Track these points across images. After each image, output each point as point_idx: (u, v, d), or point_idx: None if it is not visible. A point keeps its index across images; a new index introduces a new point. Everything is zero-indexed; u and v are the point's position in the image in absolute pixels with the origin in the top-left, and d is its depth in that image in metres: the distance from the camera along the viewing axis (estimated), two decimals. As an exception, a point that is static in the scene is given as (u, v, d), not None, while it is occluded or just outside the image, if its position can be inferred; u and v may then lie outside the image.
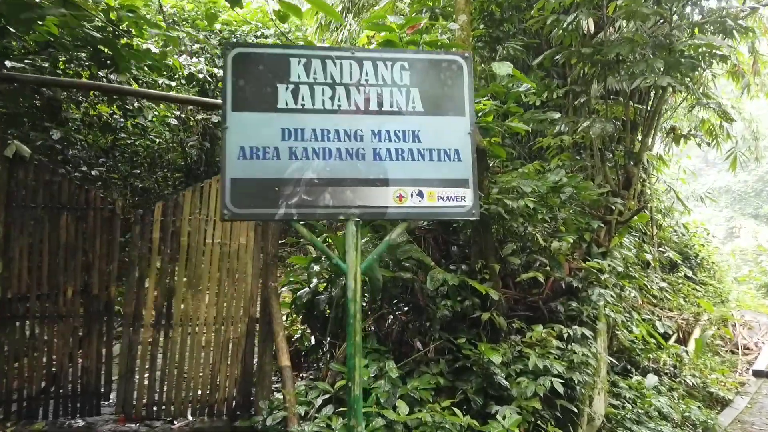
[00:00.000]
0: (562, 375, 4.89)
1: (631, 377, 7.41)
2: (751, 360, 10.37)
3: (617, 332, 7.73)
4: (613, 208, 7.04)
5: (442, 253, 6.57)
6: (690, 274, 12.74)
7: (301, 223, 3.03)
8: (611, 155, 7.87)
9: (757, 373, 9.59)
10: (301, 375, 5.83)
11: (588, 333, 5.60)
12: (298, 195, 2.84)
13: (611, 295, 6.19)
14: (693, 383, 8.05)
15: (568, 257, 6.58)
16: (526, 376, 4.80)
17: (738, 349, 10.85)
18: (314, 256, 5.44)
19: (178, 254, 5.09)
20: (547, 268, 6.06)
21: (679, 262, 12.58)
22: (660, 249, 12.09)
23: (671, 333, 9.45)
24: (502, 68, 4.83)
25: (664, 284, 10.98)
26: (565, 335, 5.48)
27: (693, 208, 15.03)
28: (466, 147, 3.06)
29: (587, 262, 6.31)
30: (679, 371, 8.18)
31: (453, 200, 2.97)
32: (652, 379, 7.25)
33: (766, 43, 11.76)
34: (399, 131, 3.01)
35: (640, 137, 8.07)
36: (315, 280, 5.29)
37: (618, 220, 7.19)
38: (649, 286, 10.23)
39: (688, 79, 7.43)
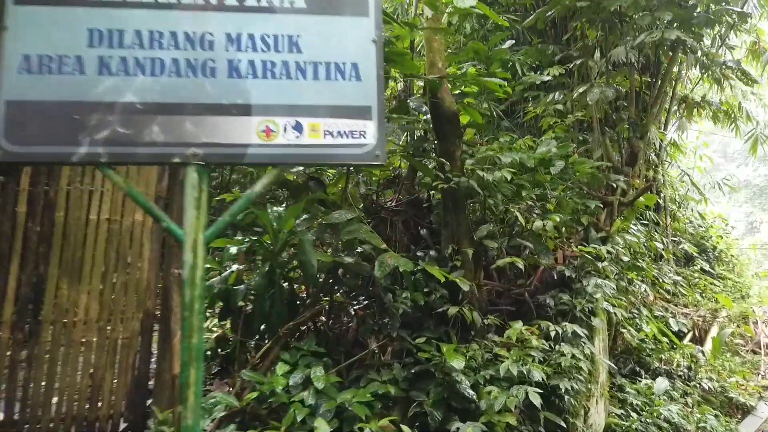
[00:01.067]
0: (544, 382, 3.99)
1: (639, 381, 6.51)
2: (775, 361, 9.36)
3: (622, 330, 6.81)
4: (615, 186, 6.09)
5: (413, 238, 5.70)
6: (707, 267, 11.74)
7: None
8: (614, 130, 6.93)
9: (783, 376, 8.58)
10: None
11: (581, 331, 4.68)
12: (111, 127, 1.89)
13: (611, 287, 5.26)
14: (710, 387, 7.14)
15: (562, 243, 5.69)
16: (498, 384, 3.89)
17: (760, 348, 9.84)
18: (240, 237, 4.48)
19: (52, 233, 4.16)
20: (535, 255, 5.18)
21: (695, 254, 11.59)
22: (674, 240, 11.12)
23: (686, 331, 8.51)
24: (465, 0, 3.91)
25: (678, 278, 10.01)
26: (553, 333, 4.58)
27: (711, 201, 13.99)
28: (368, 61, 2.09)
29: (583, 248, 5.39)
30: (695, 374, 7.27)
31: (347, 136, 2.00)
32: (662, 384, 6.33)
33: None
34: (268, 36, 2.05)
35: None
36: (235, 266, 4.37)
37: (621, 201, 6.24)
38: (661, 280, 9.27)
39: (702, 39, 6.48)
